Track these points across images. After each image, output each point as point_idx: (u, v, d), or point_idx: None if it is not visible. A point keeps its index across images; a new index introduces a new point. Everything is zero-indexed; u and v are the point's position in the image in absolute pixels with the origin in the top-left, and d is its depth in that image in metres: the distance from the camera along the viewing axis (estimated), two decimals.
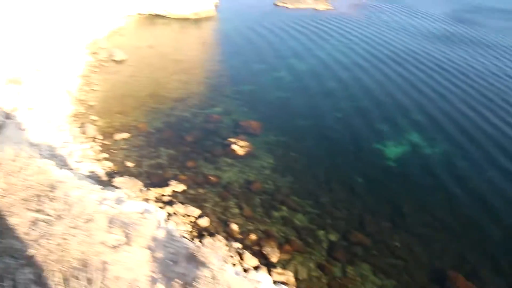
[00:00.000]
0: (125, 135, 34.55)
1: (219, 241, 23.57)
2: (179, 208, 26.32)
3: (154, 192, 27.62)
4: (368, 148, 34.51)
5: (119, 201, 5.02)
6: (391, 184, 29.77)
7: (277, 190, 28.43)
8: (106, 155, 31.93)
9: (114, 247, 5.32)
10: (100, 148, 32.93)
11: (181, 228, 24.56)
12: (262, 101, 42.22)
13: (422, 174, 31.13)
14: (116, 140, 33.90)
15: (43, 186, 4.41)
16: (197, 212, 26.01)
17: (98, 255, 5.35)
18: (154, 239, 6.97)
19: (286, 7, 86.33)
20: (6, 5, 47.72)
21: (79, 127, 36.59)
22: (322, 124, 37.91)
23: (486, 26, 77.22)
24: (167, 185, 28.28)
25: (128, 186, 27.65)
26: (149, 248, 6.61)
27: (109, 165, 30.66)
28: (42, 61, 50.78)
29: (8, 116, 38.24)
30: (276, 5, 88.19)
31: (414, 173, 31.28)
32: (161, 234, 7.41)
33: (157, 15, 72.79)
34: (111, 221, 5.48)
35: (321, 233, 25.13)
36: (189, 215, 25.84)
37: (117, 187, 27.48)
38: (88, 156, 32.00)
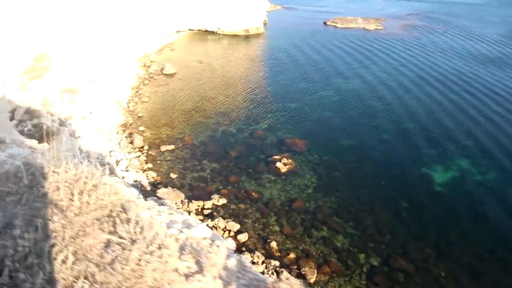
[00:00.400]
0: (171, 147, 35.30)
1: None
2: (219, 222, 26.46)
3: (196, 204, 27.92)
4: (414, 171, 33.47)
5: (187, 224, 5.00)
6: (438, 210, 28.64)
7: (318, 209, 28.06)
8: (151, 166, 32.71)
9: (187, 275, 5.29)
10: (146, 159, 33.78)
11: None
12: (306, 119, 42.03)
13: (471, 202, 29.76)
14: (162, 151, 34.70)
15: (115, 206, 4.47)
16: (237, 227, 26.04)
17: (171, 283, 5.35)
18: (226, 268, 6.88)
19: (336, 27, 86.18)
20: (64, 17, 50.32)
21: (127, 137, 37.76)
22: (367, 145, 37.21)
23: None
24: (209, 198, 28.52)
25: (171, 197, 28.16)
26: (222, 278, 6.52)
27: (153, 176, 31.37)
28: (96, 72, 53.04)
29: (62, 124, 40.05)
30: (326, 24, 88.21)
31: (463, 201, 29.95)
32: (232, 263, 7.31)
33: (208, 31, 74.59)
34: (182, 247, 5.42)
35: (361, 256, 24.48)
36: (229, 230, 25.93)
37: (160, 198, 28.05)
38: (134, 166, 32.88)
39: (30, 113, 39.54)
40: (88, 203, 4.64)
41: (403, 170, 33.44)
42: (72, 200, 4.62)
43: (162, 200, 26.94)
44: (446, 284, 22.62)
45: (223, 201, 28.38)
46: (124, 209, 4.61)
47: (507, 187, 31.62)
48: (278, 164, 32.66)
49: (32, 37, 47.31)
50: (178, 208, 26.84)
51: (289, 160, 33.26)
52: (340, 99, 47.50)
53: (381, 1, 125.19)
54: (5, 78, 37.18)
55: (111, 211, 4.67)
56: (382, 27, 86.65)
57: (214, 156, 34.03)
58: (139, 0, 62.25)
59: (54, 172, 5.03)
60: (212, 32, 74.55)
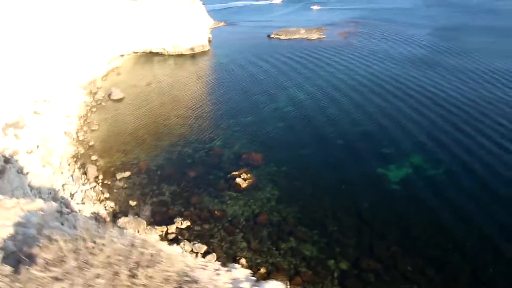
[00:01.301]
0: (127, 173, 34.36)
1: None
2: (185, 245, 25.92)
3: (159, 230, 27.26)
4: (371, 173, 34.35)
5: (249, 280, 4.65)
6: (397, 208, 29.51)
7: (283, 221, 28.10)
8: (108, 195, 31.69)
9: None
10: (102, 188, 32.70)
11: None
12: (260, 132, 42.23)
13: (427, 196, 30.89)
14: (117, 179, 33.71)
15: (180, 277, 4.04)
16: (204, 248, 25.62)
17: None
18: None
19: (279, 39, 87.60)
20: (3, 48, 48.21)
21: (80, 168, 36.43)
22: (324, 152, 37.83)
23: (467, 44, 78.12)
24: (172, 222, 27.93)
25: (132, 226, 27.30)
26: None
27: (111, 205, 30.39)
28: (40, 103, 50.99)
29: (7, 161, 38.03)
30: (270, 37, 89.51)
31: (419, 195, 31.04)
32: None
33: (153, 53, 73.70)
34: None
35: (331, 262, 24.74)
36: (196, 252, 25.42)
37: (122, 228, 27.09)
38: (90, 197, 31.71)
39: None
40: (151, 277, 4.21)
41: (360, 173, 34.29)
42: (135, 277, 4.13)
43: (124, 230, 26.04)
44: (414, 277, 23.27)
45: (186, 223, 27.90)
46: (193, 279, 4.24)
47: (458, 178, 33.03)
48: (238, 180, 32.56)
49: None
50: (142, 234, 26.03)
51: (248, 175, 33.24)
52: (290, 110, 48.11)
53: (317, 11, 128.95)
54: None
55: (179, 282, 4.27)
56: (324, 36, 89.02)
57: (172, 179, 33.44)
58: (80, 26, 60.62)
59: (103, 245, 4.54)
60: (158, 53, 73.77)
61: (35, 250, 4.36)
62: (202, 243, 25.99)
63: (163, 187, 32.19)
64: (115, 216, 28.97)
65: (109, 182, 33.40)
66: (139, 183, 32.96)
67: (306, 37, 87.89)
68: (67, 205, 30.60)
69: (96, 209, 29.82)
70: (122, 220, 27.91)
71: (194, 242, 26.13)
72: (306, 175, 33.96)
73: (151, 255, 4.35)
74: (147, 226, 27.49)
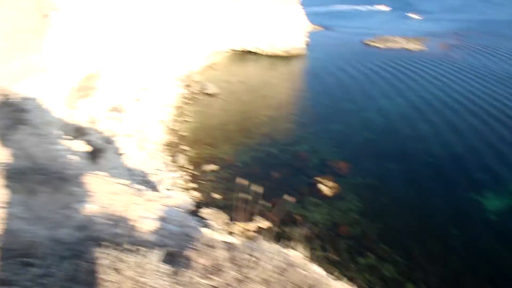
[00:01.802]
0: (213, 166, 35.36)
1: None
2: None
3: (239, 226, 27.68)
4: (464, 198, 32.08)
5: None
6: (492, 241, 27.21)
7: (364, 235, 27.20)
8: (195, 185, 32.80)
9: None
10: (189, 178, 33.95)
11: None
12: (350, 141, 41.32)
13: None
14: (204, 171, 34.80)
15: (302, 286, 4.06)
16: None
17: None
18: None
19: (376, 47, 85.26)
20: (111, 38, 51.89)
21: (171, 156, 38.15)
22: (413, 169, 36.05)
23: None
24: (252, 220, 28.20)
25: (214, 218, 28.06)
26: None
27: (197, 195, 31.43)
28: (141, 91, 54.28)
29: (108, 141, 41.01)
30: (366, 44, 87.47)
31: None
32: None
33: (249, 52, 75.25)
34: None
35: (410, 286, 23.50)
36: None
37: (204, 218, 27.98)
38: (177, 185, 33.10)
39: (79, 131, 40.72)
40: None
41: (452, 196, 32.16)
42: None
43: (206, 221, 26.85)
44: None
45: (267, 223, 27.97)
46: None
47: None
48: (322, 187, 32.10)
49: (80, 58, 49.03)
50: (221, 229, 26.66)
51: (333, 183, 32.64)
52: (384, 121, 46.50)
53: (419, 20, 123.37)
54: (56, 97, 38.44)
55: None
56: (423, 47, 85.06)
57: (256, 177, 33.71)
58: (181, 21, 63.58)
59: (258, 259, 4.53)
60: (253, 52, 75.16)
61: (191, 254, 4.42)
62: (281, 246, 25.89)
63: (247, 185, 32.56)
64: (198, 206, 29.93)
65: (196, 173, 34.58)
66: (224, 177, 33.73)
67: (404, 47, 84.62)
68: (155, 189, 32.23)
69: (182, 197, 31.04)
70: (205, 211, 28.79)
71: (272, 243, 26.14)
72: (392, 191, 32.57)
73: (312, 279, 4.22)
74: (228, 220, 28.02)
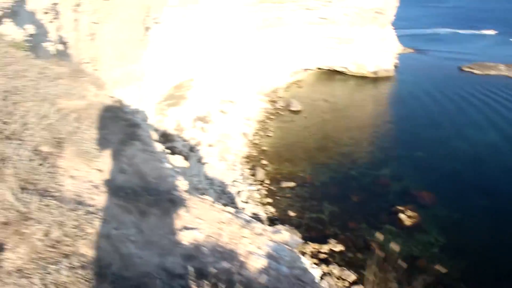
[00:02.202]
0: (291, 183, 35.30)
1: None
2: (334, 269, 25.43)
3: (312, 247, 27.27)
4: None
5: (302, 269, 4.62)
6: None
7: (445, 274, 25.19)
8: (271, 200, 32.93)
9: None
10: (266, 192, 34.17)
11: None
12: (435, 170, 39.05)
13: None
14: (282, 187, 34.84)
15: None
16: (353, 277, 24.73)
17: None
18: None
19: (472, 73, 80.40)
20: (201, 51, 54.18)
21: (250, 169, 38.70)
22: (504, 208, 33.20)
23: None
24: (325, 242, 27.69)
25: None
26: None
27: (271, 211, 31.51)
28: (226, 103, 55.96)
29: (192, 149, 42.66)
30: (461, 69, 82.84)
31: None
32: None
33: (335, 71, 74.65)
34: None
35: None
36: (343, 279, 24.72)
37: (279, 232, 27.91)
38: (254, 198, 33.45)
39: (165, 136, 42.83)
40: None
41: None
42: None
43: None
44: None
45: (340, 247, 27.36)
46: None
47: None
48: (402, 216, 30.73)
49: (174, 68, 51.77)
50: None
51: (414, 213, 31.08)
52: (474, 152, 43.40)
53: None
54: (148, 103, 40.82)
55: None
56: None
57: (334, 199, 33.18)
58: (271, 39, 64.77)
59: None
60: (340, 72, 74.42)
61: None
62: (352, 272, 25.11)
63: (324, 205, 32.14)
64: (272, 221, 29.94)
65: (274, 188, 34.72)
66: (301, 196, 33.52)
67: (506, 74, 78.91)
68: (233, 201, 32.82)
69: (257, 211, 31.28)
70: (278, 228, 28.69)
71: (344, 268, 25.44)
72: (479, 229, 30.17)
73: None
74: (301, 239, 27.68)
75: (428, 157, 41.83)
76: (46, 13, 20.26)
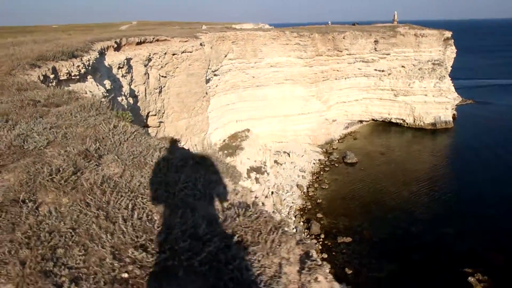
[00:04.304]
0: (348, 239, 34.12)
1: None
2: None
3: None
4: None
5: None
6: None
7: None
8: (326, 256, 31.89)
9: None
10: (322, 247, 33.17)
11: None
12: (503, 230, 36.48)
13: None
14: (338, 242, 33.74)
15: None
16: None
17: None
18: None
19: None
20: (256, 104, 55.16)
21: (305, 222, 37.97)
22: None
23: None
24: None
25: None
26: None
27: (328, 267, 30.40)
28: (282, 154, 56.11)
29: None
30: None
31: None
32: None
33: (391, 122, 73.33)
34: None
35: None
36: None
37: None
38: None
39: None
40: None
41: None
42: None
43: None
44: None
45: None
46: None
47: None
48: (471, 279, 28.59)
49: (229, 118, 53.12)
50: None
51: (485, 277, 28.84)
52: None
53: None
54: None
55: None
56: None
57: (393, 257, 31.59)
58: (327, 91, 65.13)
59: None
60: (396, 124, 73.03)
61: None
62: None
63: (383, 263, 30.63)
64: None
65: (329, 243, 33.70)
66: (359, 252, 32.22)
67: None
68: None
69: None
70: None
71: None
72: None
73: None
74: None
75: (495, 214, 39.22)
76: (121, 67, 21.58)
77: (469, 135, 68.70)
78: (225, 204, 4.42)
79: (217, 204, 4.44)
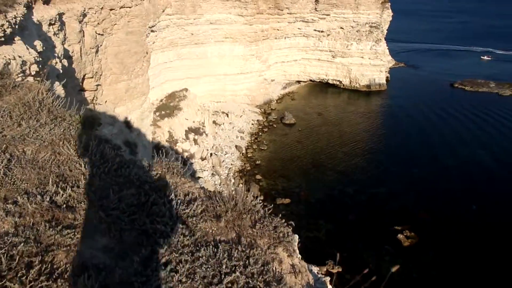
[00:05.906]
0: (287, 200, 34.63)
1: None
2: None
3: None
4: None
5: None
6: None
7: None
8: None
9: None
10: None
11: None
12: (431, 189, 38.57)
13: None
14: (276, 204, 34.08)
15: None
16: None
17: None
18: None
19: (464, 89, 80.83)
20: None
21: (244, 184, 37.89)
22: (505, 227, 32.87)
23: None
24: (323, 263, 26.95)
25: None
26: None
27: None
28: (220, 114, 55.25)
29: (185, 163, 41.64)
30: (453, 86, 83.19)
31: None
32: None
33: (328, 83, 74.31)
34: None
35: None
36: None
37: None
38: None
39: (159, 149, 41.85)
40: None
41: None
42: None
43: None
44: None
45: (338, 269, 26.57)
46: None
47: None
48: (400, 236, 30.24)
49: (166, 78, 51.08)
50: None
51: (412, 233, 30.59)
52: (467, 171, 42.88)
53: None
54: (147, 113, 39.84)
55: None
56: None
57: (330, 217, 32.57)
58: (266, 49, 64.39)
59: None
60: (333, 85, 74.19)
61: None
62: None
63: (320, 224, 31.50)
64: None
65: (268, 205, 33.89)
66: (297, 213, 32.80)
67: (497, 92, 79.43)
68: None
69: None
70: None
71: None
72: (481, 249, 29.79)
73: None
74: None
75: (423, 175, 41.34)
76: (52, 24, 19.39)
77: (401, 98, 71.32)
78: None
79: None
